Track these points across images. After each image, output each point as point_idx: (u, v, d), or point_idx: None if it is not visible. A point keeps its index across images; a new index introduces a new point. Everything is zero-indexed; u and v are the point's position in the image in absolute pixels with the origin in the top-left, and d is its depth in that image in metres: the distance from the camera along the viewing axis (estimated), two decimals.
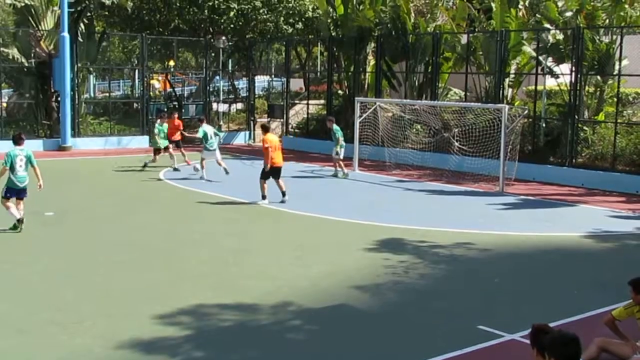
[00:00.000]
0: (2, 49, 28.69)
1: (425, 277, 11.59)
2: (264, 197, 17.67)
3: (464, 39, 26.51)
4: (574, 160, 22.32)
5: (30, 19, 29.57)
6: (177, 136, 24.03)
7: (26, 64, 29.51)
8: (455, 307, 10.11)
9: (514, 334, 8.89)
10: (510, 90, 25.65)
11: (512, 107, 22.72)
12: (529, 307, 10.10)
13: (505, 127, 20.39)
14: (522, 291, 11.00)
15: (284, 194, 17.72)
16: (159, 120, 23.75)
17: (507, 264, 12.68)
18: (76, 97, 29.52)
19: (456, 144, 23.52)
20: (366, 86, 30.10)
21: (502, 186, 20.33)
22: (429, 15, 28.99)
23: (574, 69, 22.36)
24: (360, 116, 24.61)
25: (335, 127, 22.75)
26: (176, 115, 25.13)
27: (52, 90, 29.30)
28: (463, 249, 13.40)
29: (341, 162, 22.72)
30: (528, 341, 5.37)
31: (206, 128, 21.95)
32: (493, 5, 25.54)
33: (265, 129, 18.18)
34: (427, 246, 13.55)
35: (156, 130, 23.31)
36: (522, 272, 12.14)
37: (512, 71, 25.31)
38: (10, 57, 29.13)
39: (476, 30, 27.61)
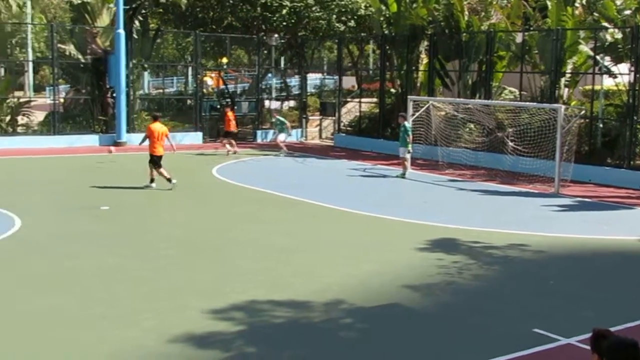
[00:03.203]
0: (59, 45, 29.21)
1: (478, 278, 11.43)
2: (169, 180, 18.75)
3: (518, 37, 26.15)
4: (632, 162, 21.84)
5: (86, 16, 30.07)
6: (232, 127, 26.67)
7: (82, 60, 30.01)
8: (510, 309, 9.94)
9: (571, 338, 8.67)
10: (566, 89, 25.22)
11: (568, 107, 22.32)
12: (585, 311, 9.88)
13: (561, 127, 20.02)
14: (578, 294, 10.76)
15: (152, 180, 19.06)
16: None
17: (563, 266, 12.42)
18: (131, 93, 29.91)
19: (510, 144, 23.17)
20: (419, 85, 29.87)
21: (557, 187, 19.97)
22: (482, 13, 28.63)
23: (632, 68, 21.87)
24: (413, 115, 24.41)
25: (407, 124, 22.43)
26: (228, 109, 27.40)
27: (108, 87, 29.70)
28: (517, 251, 13.19)
29: (407, 163, 22.36)
30: (585, 346, 5.25)
31: (281, 118, 28.12)
32: (549, 3, 25.14)
33: (153, 117, 20.02)
34: (480, 247, 13.36)
35: None
36: (578, 274, 11.89)
37: (568, 70, 24.87)
38: (67, 53, 29.69)
39: (531, 28, 27.19)
